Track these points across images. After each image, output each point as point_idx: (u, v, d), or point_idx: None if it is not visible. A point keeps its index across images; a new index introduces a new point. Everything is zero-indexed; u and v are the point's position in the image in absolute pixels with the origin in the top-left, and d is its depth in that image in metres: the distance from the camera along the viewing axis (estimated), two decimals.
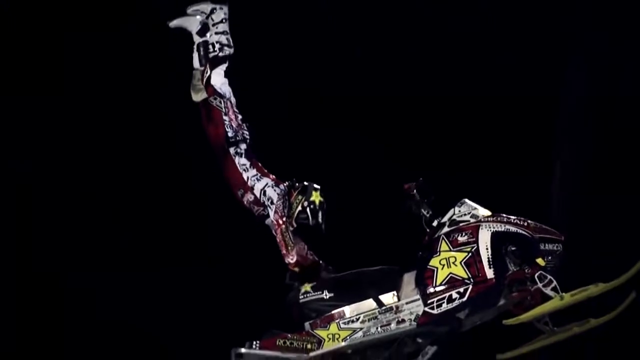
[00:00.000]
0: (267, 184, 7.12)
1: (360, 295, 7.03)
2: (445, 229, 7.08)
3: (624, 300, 6.80)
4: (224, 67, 7.25)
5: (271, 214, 7.05)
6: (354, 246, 8.42)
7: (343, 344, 6.85)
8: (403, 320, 6.88)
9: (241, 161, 7.13)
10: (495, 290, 6.83)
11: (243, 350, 6.84)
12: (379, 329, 6.87)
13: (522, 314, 6.80)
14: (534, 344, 6.92)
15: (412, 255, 7.19)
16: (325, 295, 7.06)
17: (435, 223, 7.22)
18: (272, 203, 7.06)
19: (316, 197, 7.13)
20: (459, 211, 7.17)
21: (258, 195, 7.10)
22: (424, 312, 6.82)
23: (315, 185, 7.18)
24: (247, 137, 7.19)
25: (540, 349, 6.91)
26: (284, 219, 7.02)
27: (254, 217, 7.26)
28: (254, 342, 6.87)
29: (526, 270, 6.88)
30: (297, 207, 7.09)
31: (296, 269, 7.04)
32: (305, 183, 7.18)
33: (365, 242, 8.69)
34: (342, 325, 6.92)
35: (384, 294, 7.01)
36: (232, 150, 7.13)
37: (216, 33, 7.26)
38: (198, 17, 7.33)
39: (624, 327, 7.74)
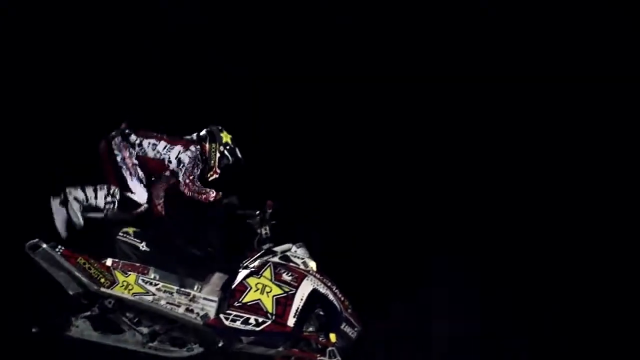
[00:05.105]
0: (179, 151, 7.25)
1: (170, 267, 7.02)
2: (276, 259, 7.21)
3: None
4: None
5: (180, 175, 7.18)
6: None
7: (130, 297, 6.80)
8: (192, 311, 6.92)
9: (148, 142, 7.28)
10: (285, 337, 7.00)
11: (44, 245, 6.65)
12: (168, 305, 6.87)
13: None
14: None
15: (227, 259, 7.32)
16: (142, 246, 7.01)
17: (266, 246, 7.35)
18: (183, 166, 7.19)
19: (225, 136, 7.45)
20: (295, 251, 7.34)
21: (174, 162, 7.23)
22: (217, 317, 6.88)
23: (219, 127, 7.46)
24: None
25: None
26: (191, 177, 7.18)
27: None
28: (59, 246, 6.71)
29: (320, 338, 7.11)
30: (215, 154, 7.38)
31: (220, 194, 7.21)
32: (209, 129, 7.45)
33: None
34: (140, 281, 6.88)
35: (190, 278, 7.04)
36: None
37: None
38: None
39: None
